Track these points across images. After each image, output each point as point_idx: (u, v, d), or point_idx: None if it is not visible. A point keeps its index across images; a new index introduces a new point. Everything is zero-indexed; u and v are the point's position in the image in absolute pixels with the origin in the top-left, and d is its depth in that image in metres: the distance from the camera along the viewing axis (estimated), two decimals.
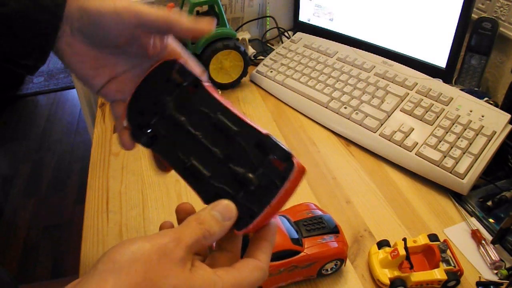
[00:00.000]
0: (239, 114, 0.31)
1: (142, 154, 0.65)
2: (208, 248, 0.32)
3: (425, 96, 0.66)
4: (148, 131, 0.34)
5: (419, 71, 0.71)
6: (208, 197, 0.30)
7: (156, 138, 0.34)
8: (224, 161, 0.30)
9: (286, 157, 0.29)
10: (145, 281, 0.24)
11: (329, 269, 0.46)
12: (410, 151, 0.61)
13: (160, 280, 0.25)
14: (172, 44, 0.37)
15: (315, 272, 0.45)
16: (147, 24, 0.33)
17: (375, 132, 0.65)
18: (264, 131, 0.30)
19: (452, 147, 0.59)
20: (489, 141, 0.59)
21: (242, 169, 0.29)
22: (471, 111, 0.62)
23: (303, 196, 0.57)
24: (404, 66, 0.72)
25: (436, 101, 0.65)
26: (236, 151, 0.30)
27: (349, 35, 0.86)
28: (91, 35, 0.34)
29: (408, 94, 0.68)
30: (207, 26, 0.34)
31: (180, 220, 0.34)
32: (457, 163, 0.58)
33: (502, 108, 0.63)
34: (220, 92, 0.78)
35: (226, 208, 0.28)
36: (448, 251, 0.47)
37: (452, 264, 0.46)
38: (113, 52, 0.36)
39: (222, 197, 0.29)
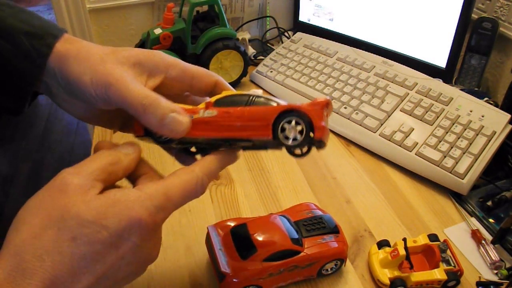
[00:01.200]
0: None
1: (142, 154, 0.64)
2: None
3: (425, 96, 0.66)
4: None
5: (419, 71, 0.71)
6: None
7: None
8: None
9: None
10: (49, 222, 0.26)
11: (329, 269, 0.46)
12: (410, 151, 0.61)
13: (62, 216, 0.26)
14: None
15: (315, 272, 0.45)
16: (121, 106, 0.32)
17: (375, 132, 0.65)
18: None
19: (452, 147, 0.59)
20: (489, 141, 0.59)
21: None
22: (471, 111, 0.62)
23: (303, 196, 0.57)
24: (404, 66, 0.72)
25: (436, 101, 0.65)
26: None
27: (349, 35, 0.86)
28: (75, 95, 0.33)
29: (408, 94, 0.68)
30: (176, 131, 0.32)
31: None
32: (457, 163, 0.58)
33: (502, 108, 0.63)
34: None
35: (128, 143, 0.31)
36: (448, 251, 0.47)
37: (452, 264, 0.46)
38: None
39: None
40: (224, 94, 0.36)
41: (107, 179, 0.29)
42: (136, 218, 0.27)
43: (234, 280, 0.40)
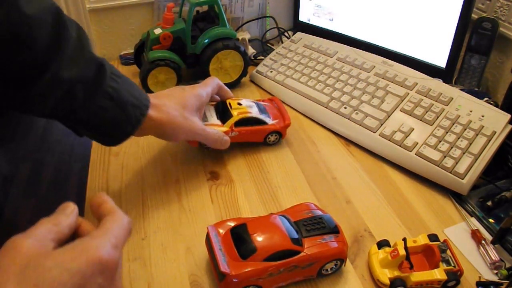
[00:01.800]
0: None
1: (142, 154, 0.65)
2: None
3: (425, 96, 0.66)
4: None
5: (419, 71, 0.71)
6: None
7: None
8: None
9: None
10: (8, 277, 0.27)
11: (329, 269, 0.46)
12: (410, 151, 0.61)
13: (21, 269, 0.27)
14: None
15: (315, 272, 0.45)
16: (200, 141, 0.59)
17: (375, 132, 0.65)
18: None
19: (452, 147, 0.59)
20: (489, 141, 0.59)
21: None
22: (471, 111, 0.62)
23: (303, 196, 0.57)
24: (404, 66, 0.72)
25: (436, 101, 0.65)
26: None
27: (349, 35, 0.86)
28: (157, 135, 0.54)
29: (408, 94, 0.68)
30: (224, 146, 0.61)
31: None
32: (457, 163, 0.58)
33: (502, 108, 0.63)
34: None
35: (64, 205, 0.35)
36: (448, 251, 0.47)
37: (452, 264, 0.46)
38: None
39: None
40: (238, 117, 0.61)
41: (55, 238, 0.31)
42: (96, 258, 0.30)
43: (234, 280, 0.40)
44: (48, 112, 0.44)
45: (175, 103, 0.53)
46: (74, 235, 0.34)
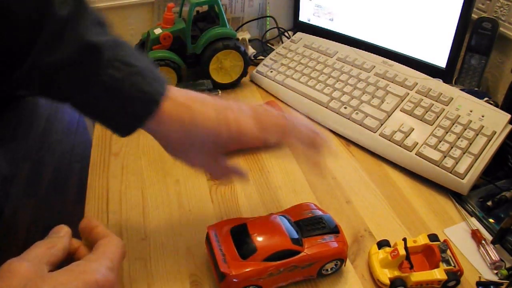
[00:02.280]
0: None
1: (142, 154, 0.65)
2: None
3: (425, 96, 0.66)
4: None
5: (419, 71, 0.71)
6: None
7: None
8: None
9: None
10: None
11: (329, 269, 0.46)
12: (410, 151, 0.61)
13: None
14: None
15: (315, 272, 0.45)
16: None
17: (375, 132, 0.65)
18: None
19: (452, 147, 0.59)
20: (489, 141, 0.59)
21: None
22: (471, 111, 0.62)
23: (303, 196, 0.57)
24: (404, 66, 0.72)
25: (436, 101, 0.65)
26: None
27: (349, 35, 0.86)
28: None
29: (408, 94, 0.68)
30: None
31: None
32: (457, 163, 0.58)
33: (502, 108, 0.63)
34: (220, 93, 0.78)
35: (58, 228, 0.36)
36: (448, 251, 0.47)
37: (452, 264, 0.46)
38: None
39: None
40: None
41: (50, 260, 0.32)
42: (93, 280, 0.30)
43: (234, 280, 0.40)
44: (40, 95, 0.39)
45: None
46: (69, 257, 0.35)
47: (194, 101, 0.41)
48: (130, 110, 0.39)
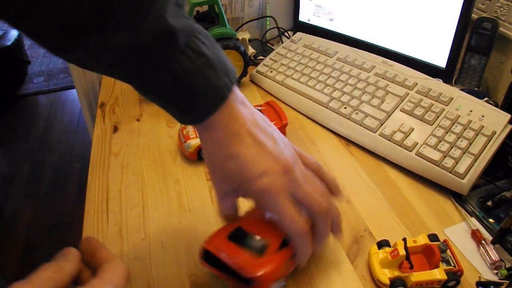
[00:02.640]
0: None
1: (142, 154, 0.65)
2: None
3: (425, 96, 0.66)
4: None
5: (419, 71, 0.71)
6: None
7: None
8: None
9: None
10: None
11: None
12: (410, 151, 0.61)
13: None
14: None
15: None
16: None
17: (375, 132, 0.65)
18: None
19: (452, 147, 0.59)
20: (489, 141, 0.59)
21: None
22: (471, 111, 0.62)
23: None
24: (404, 66, 0.72)
25: (436, 101, 0.65)
26: None
27: (349, 35, 0.86)
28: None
29: (408, 94, 0.68)
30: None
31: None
32: (457, 163, 0.58)
33: (502, 108, 0.63)
34: None
35: (67, 251, 0.33)
36: (448, 251, 0.47)
37: (452, 264, 0.46)
38: None
39: None
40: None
41: (55, 286, 0.31)
42: None
43: (267, 280, 0.39)
44: (100, 73, 0.36)
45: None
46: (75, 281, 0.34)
47: (256, 123, 0.40)
48: (196, 100, 0.36)
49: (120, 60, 0.34)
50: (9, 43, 2.39)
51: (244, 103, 0.40)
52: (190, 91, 0.36)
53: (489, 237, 0.51)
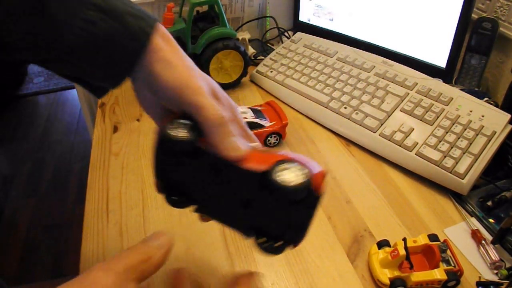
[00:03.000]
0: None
1: (142, 154, 0.65)
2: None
3: (425, 96, 0.66)
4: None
5: (419, 71, 0.71)
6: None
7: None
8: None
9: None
10: None
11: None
12: (410, 151, 0.61)
13: None
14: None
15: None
16: (198, 118, 0.33)
17: (375, 132, 0.65)
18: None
19: (452, 147, 0.59)
20: (489, 141, 0.59)
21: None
22: (471, 111, 0.62)
23: None
24: (404, 66, 0.72)
25: (436, 101, 0.65)
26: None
27: (349, 35, 0.86)
28: (153, 91, 0.35)
29: (408, 94, 0.68)
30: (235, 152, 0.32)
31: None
32: (457, 163, 0.58)
33: (502, 108, 0.63)
34: None
35: (157, 234, 0.29)
36: (448, 251, 0.47)
37: (452, 264, 0.46)
38: None
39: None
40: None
41: (139, 277, 0.27)
42: None
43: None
44: (23, 40, 0.32)
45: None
46: None
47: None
48: (131, 21, 0.33)
49: (35, 4, 0.31)
50: None
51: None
52: (118, 15, 0.33)
53: (489, 237, 0.51)
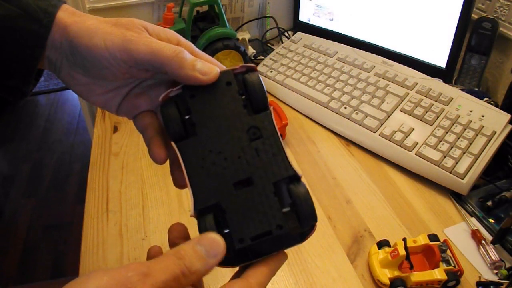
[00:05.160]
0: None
1: (142, 154, 0.65)
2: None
3: (425, 96, 0.66)
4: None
5: (419, 71, 0.71)
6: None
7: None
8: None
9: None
10: None
11: None
12: (410, 151, 0.61)
13: None
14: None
15: None
16: (141, 63, 0.31)
17: (375, 132, 0.65)
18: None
19: (452, 147, 0.59)
20: (489, 141, 0.59)
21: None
22: (471, 111, 0.62)
23: None
24: (404, 66, 0.72)
25: (436, 101, 0.65)
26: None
27: (349, 35, 0.86)
28: (88, 70, 0.32)
29: (408, 94, 0.68)
30: (206, 75, 0.32)
31: (170, 240, 0.31)
32: (457, 163, 0.58)
33: (502, 108, 0.63)
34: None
35: (213, 242, 0.25)
36: (448, 251, 0.47)
37: (452, 264, 0.46)
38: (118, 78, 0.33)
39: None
40: None
41: None
42: None
43: None
44: None
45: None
46: None
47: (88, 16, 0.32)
48: (30, 3, 0.30)
49: None
50: None
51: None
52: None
53: (489, 237, 0.51)
